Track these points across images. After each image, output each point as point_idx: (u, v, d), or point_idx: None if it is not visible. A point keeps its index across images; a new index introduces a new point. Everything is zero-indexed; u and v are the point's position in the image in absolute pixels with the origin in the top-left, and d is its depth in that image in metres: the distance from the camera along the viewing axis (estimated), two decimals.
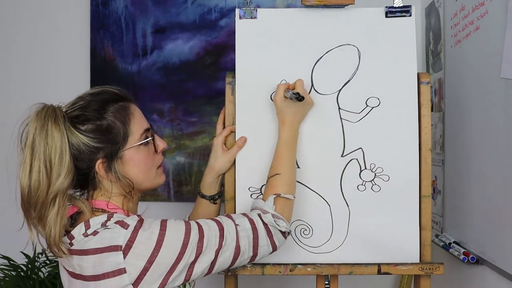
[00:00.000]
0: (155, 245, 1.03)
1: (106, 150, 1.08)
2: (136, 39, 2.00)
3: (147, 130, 1.14)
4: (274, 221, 1.15)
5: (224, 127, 1.34)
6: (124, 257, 1.01)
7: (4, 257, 1.79)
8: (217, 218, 1.14)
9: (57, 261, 1.79)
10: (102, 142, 1.07)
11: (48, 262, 1.82)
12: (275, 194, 1.18)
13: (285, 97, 1.23)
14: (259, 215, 1.15)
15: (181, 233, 1.06)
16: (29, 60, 2.07)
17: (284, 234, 1.17)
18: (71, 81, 2.04)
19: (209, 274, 1.11)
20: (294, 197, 1.22)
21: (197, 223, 1.10)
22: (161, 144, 1.18)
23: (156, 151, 1.16)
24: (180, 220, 1.10)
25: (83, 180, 1.10)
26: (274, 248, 1.16)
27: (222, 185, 1.36)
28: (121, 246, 1.01)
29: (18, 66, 2.07)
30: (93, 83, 2.00)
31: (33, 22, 2.06)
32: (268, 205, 1.17)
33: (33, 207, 1.03)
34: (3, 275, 1.78)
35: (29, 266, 1.79)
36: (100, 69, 2.01)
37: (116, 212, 1.09)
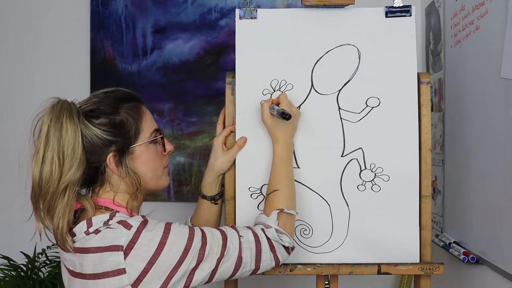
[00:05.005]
0: (157, 247, 1.03)
1: (118, 144, 1.10)
2: (136, 39, 2.00)
3: (156, 130, 1.18)
4: (278, 236, 1.15)
5: (224, 127, 1.34)
6: (125, 258, 1.01)
7: (4, 257, 1.79)
8: (222, 228, 1.14)
9: (57, 261, 1.80)
10: (115, 136, 1.09)
11: (48, 262, 1.82)
12: (278, 209, 1.19)
13: (271, 114, 1.23)
14: (263, 230, 1.15)
15: (184, 238, 1.06)
16: (29, 60, 2.07)
17: (288, 249, 1.17)
18: (71, 81, 2.04)
19: (209, 283, 1.11)
20: (297, 212, 1.23)
21: (201, 230, 1.10)
22: (168, 146, 1.21)
23: (164, 150, 1.19)
24: (185, 225, 1.10)
25: (93, 175, 1.11)
26: (277, 263, 1.16)
27: (222, 185, 1.36)
28: (123, 246, 1.02)
29: (18, 66, 2.07)
30: (93, 83, 2.00)
31: (33, 22, 2.06)
32: (272, 220, 1.17)
33: (43, 197, 1.04)
34: (3, 275, 1.78)
35: (29, 266, 1.79)
36: (100, 69, 2.01)
37: (118, 211, 1.09)
